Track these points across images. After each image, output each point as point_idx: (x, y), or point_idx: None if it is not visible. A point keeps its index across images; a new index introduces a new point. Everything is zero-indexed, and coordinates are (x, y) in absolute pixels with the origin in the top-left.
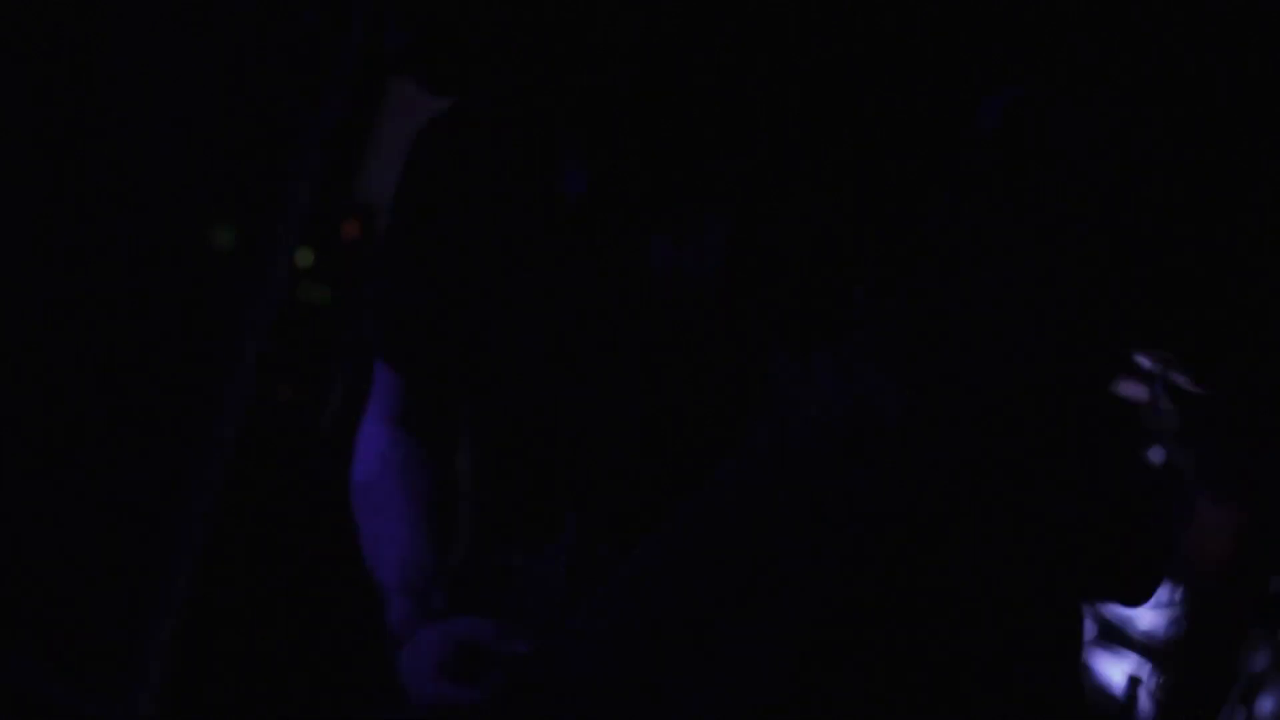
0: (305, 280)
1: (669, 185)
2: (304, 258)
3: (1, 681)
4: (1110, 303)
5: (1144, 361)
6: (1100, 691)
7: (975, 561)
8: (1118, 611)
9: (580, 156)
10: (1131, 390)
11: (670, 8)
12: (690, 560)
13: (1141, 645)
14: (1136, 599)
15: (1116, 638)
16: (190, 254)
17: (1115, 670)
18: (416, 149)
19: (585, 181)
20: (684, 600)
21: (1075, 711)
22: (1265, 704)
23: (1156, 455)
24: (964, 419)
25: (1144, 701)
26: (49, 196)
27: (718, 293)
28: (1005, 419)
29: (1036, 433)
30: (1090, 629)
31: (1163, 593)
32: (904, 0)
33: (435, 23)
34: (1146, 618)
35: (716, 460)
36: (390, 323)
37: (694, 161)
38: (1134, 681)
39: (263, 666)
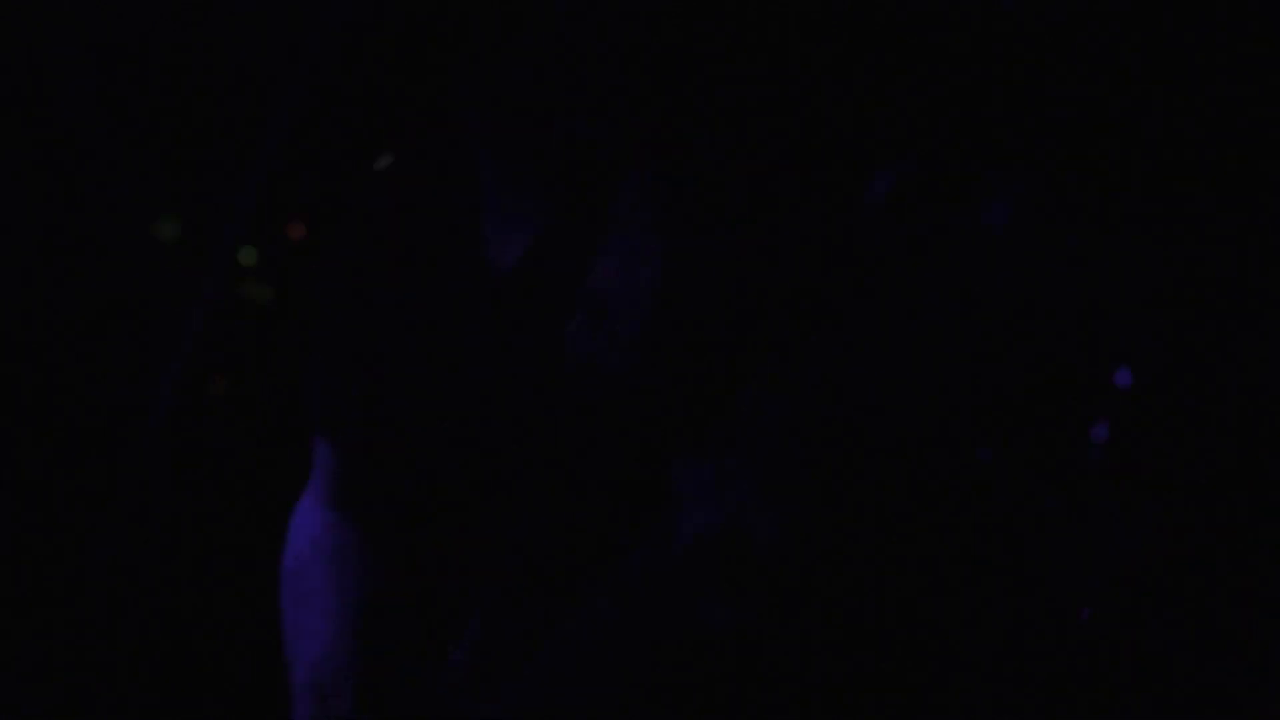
0: (249, 278)
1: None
2: (248, 256)
3: None
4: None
5: None
6: None
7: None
8: None
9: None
10: None
11: None
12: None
13: None
14: None
15: None
16: (132, 245)
17: None
18: (350, 221)
19: (522, 247)
20: None
21: None
22: None
23: None
24: (847, 542)
25: None
26: None
27: (630, 390)
28: (895, 543)
29: (931, 559)
30: None
31: None
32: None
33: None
34: None
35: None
36: (326, 393)
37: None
38: None
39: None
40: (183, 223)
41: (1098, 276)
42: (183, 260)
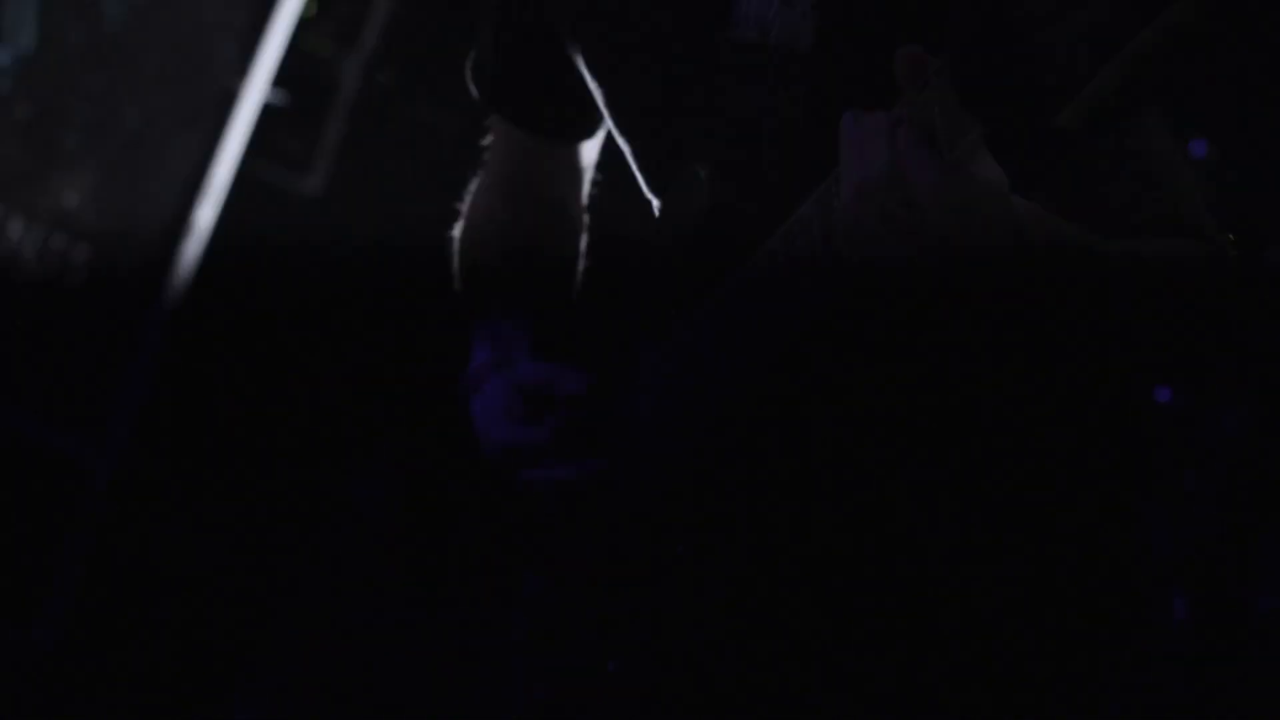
0: (308, 30)
1: None
2: (308, 8)
3: None
4: None
5: None
6: None
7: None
8: None
9: None
10: None
11: None
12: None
13: None
14: None
15: None
16: None
17: None
18: None
19: None
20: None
21: None
22: None
23: None
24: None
25: None
26: None
27: (804, 63)
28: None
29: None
30: None
31: None
32: None
33: None
34: None
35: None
36: (507, 69)
37: None
38: None
39: (243, 419)
40: None
41: None
42: (243, 10)
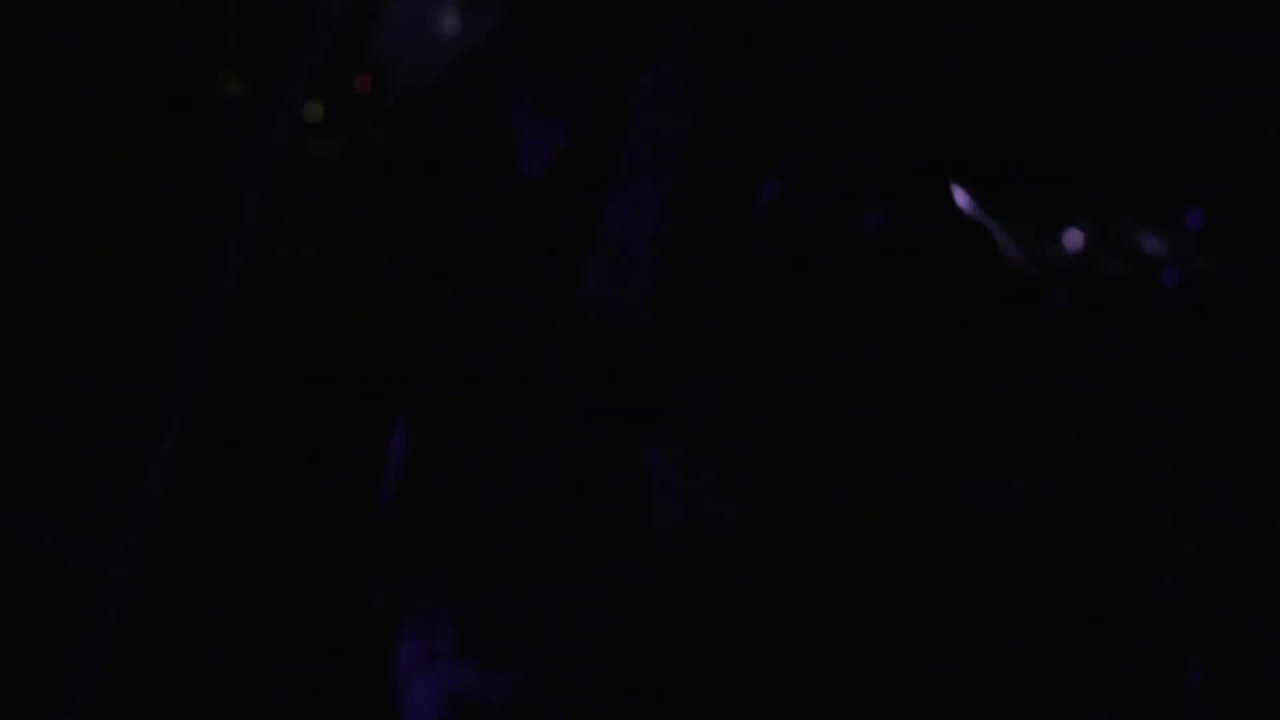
0: (314, 134)
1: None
2: (313, 112)
3: None
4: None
5: None
6: None
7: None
8: None
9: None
10: None
11: None
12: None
13: None
14: None
15: None
16: (197, 102)
17: None
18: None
19: (544, 158)
20: None
21: None
22: None
23: None
24: (802, 528)
25: None
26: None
27: (641, 336)
28: (846, 530)
29: (883, 540)
30: None
31: None
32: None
33: None
34: None
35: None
36: None
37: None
38: None
39: (263, 514)
40: (247, 78)
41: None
42: (248, 116)
